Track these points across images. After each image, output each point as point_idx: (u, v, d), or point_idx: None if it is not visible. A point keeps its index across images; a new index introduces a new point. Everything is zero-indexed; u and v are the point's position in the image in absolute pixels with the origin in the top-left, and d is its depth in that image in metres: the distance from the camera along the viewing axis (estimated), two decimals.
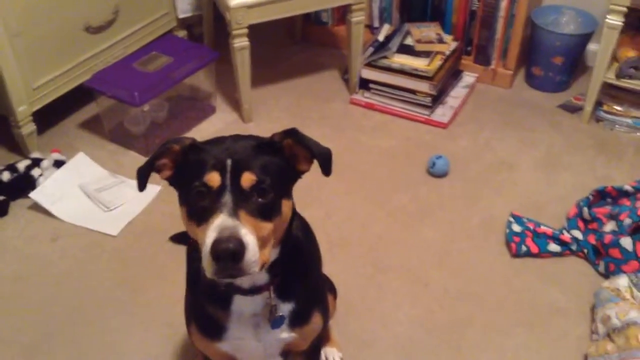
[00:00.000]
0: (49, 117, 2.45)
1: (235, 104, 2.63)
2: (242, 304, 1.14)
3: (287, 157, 1.09)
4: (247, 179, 0.98)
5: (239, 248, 0.92)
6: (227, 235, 0.92)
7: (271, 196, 1.00)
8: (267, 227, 0.99)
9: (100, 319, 1.80)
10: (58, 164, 2.22)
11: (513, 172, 2.35)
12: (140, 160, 2.37)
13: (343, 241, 2.06)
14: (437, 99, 2.63)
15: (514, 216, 2.05)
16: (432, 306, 1.85)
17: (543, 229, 1.99)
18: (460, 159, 2.40)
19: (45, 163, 2.21)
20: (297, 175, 1.12)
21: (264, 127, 2.55)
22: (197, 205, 0.98)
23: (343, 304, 1.78)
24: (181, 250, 1.33)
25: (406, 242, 2.07)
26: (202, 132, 2.53)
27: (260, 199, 0.98)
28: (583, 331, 1.75)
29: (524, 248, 1.96)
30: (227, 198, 0.96)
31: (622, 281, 1.71)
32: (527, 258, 1.98)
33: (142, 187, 1.11)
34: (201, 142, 1.08)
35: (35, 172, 2.17)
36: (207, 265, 0.94)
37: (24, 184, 2.14)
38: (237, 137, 1.08)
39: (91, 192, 2.18)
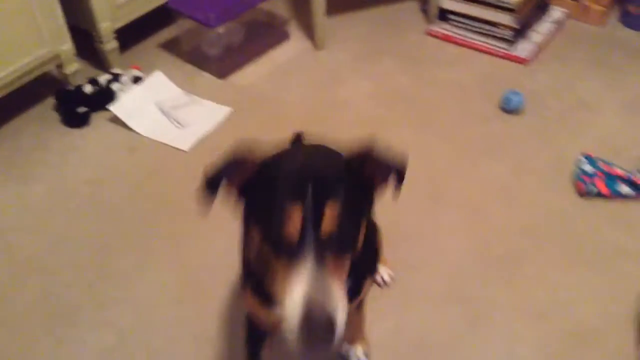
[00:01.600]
0: (131, 35, 2.55)
1: (309, 31, 2.63)
2: None
3: (365, 179, 0.97)
4: (330, 222, 0.87)
5: (331, 321, 0.81)
6: (318, 304, 0.81)
7: (353, 233, 0.92)
8: (347, 262, 0.91)
9: (169, 225, 1.91)
10: (137, 80, 2.33)
11: (593, 114, 2.22)
12: (213, 82, 2.44)
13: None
14: (520, 33, 2.50)
15: (586, 156, 1.95)
16: (488, 238, 1.82)
17: (616, 170, 1.88)
18: (537, 96, 2.29)
19: (124, 78, 2.32)
20: (373, 194, 1.01)
21: (335, 55, 2.54)
22: (274, 236, 0.87)
23: (396, 229, 1.79)
24: None
25: (470, 176, 2.03)
26: (274, 58, 2.55)
27: (343, 239, 0.89)
28: None
29: (593, 188, 1.87)
30: (310, 240, 0.85)
31: None
32: (595, 199, 1.90)
33: (210, 202, 0.97)
34: (273, 159, 0.97)
35: (115, 86, 2.29)
36: (289, 331, 0.82)
37: (104, 97, 2.26)
38: (312, 157, 0.98)
39: (166, 109, 2.28)
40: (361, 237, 0.95)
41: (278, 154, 0.99)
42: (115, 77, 2.31)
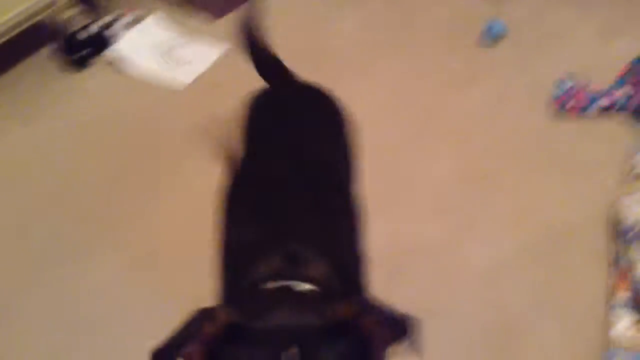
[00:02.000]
0: None
1: None
2: None
3: (362, 337, 0.77)
4: None
5: None
6: None
7: None
8: None
9: (170, 159, 2.02)
10: (133, 23, 2.41)
11: (568, 40, 2.33)
12: (209, 22, 2.50)
13: (389, 109, 2.16)
14: None
15: (563, 77, 2.08)
16: (470, 160, 1.96)
17: (591, 87, 2.02)
18: (514, 27, 2.39)
19: (121, 22, 2.39)
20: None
21: None
22: None
23: (381, 159, 1.92)
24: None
25: (452, 106, 2.15)
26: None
27: None
28: (618, 181, 1.82)
29: (570, 104, 2.01)
30: None
31: None
32: (569, 119, 2.03)
33: None
34: (246, 319, 0.76)
35: (112, 30, 2.36)
36: None
37: (102, 41, 2.34)
38: (292, 312, 0.79)
39: (162, 49, 2.36)
40: None
41: (251, 313, 0.77)
42: (112, 21, 2.39)
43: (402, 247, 1.71)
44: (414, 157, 1.98)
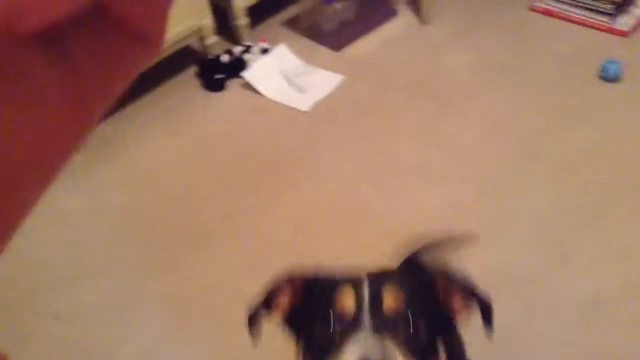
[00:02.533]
0: (259, 12, 2.91)
1: (415, 7, 2.86)
2: None
3: (440, 300, 0.86)
4: (392, 302, 0.78)
5: None
6: (376, 353, 0.72)
7: (424, 329, 0.79)
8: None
9: (287, 174, 2.24)
10: (264, 51, 2.68)
11: None
12: (329, 54, 2.74)
13: (500, 138, 2.24)
14: (621, 6, 2.59)
15: None
16: (577, 191, 2.00)
17: None
18: (636, 67, 2.39)
19: (254, 50, 2.68)
20: (451, 318, 0.88)
21: (440, 29, 2.76)
22: (321, 338, 0.78)
23: (495, 181, 2.00)
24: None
25: (564, 138, 2.19)
26: (383, 33, 2.81)
27: (410, 330, 0.77)
28: None
29: None
30: (366, 316, 0.76)
31: None
32: None
33: (254, 334, 0.88)
34: (328, 274, 0.87)
35: (246, 56, 2.65)
36: None
37: (238, 65, 2.63)
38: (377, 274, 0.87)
39: (288, 76, 2.61)
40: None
41: (329, 273, 0.87)
42: (247, 49, 2.68)
43: (507, 277, 1.78)
44: (519, 185, 2.05)
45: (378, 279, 0.81)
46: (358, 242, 1.91)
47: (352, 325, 0.75)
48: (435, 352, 0.84)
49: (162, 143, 2.43)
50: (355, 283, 0.79)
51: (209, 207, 2.14)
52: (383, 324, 0.75)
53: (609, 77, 2.35)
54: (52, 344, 1.78)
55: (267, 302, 0.87)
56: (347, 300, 0.77)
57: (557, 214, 1.94)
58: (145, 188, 2.25)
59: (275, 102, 2.54)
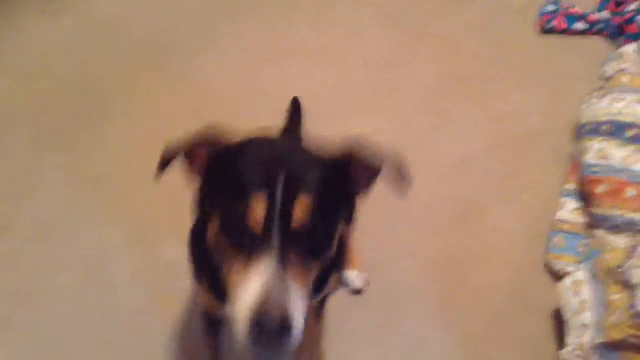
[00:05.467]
0: None
1: None
2: None
3: (349, 178, 0.89)
4: (301, 217, 0.78)
5: (287, 322, 0.74)
6: (274, 303, 0.73)
7: (327, 234, 0.83)
8: (314, 269, 0.83)
9: (186, 49, 2.19)
10: None
11: None
12: None
13: (389, 19, 2.31)
14: None
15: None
16: (457, 66, 2.14)
17: (574, 9, 2.17)
18: None
19: None
20: (354, 197, 0.93)
21: None
22: (235, 225, 0.79)
23: (380, 60, 2.08)
24: None
25: (448, 20, 2.30)
26: None
27: (313, 239, 0.80)
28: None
29: (552, 24, 2.16)
30: (275, 234, 0.77)
31: (629, 48, 1.92)
32: (554, 36, 2.19)
33: (160, 170, 0.90)
34: (247, 142, 0.88)
35: None
36: (241, 328, 0.76)
37: None
38: (289, 148, 0.90)
39: None
40: (335, 243, 0.86)
41: (251, 139, 0.89)
42: None
43: (387, 138, 1.92)
44: (407, 61, 2.16)
45: (294, 179, 0.79)
46: (254, 119, 1.96)
47: (260, 242, 0.77)
48: (331, 247, 0.86)
49: (44, 26, 2.27)
50: (270, 184, 0.78)
51: (105, 89, 2.09)
52: (289, 244, 0.77)
53: None
54: None
55: (187, 151, 0.89)
56: (258, 210, 0.77)
57: (440, 84, 2.08)
58: (36, 76, 2.15)
59: None
